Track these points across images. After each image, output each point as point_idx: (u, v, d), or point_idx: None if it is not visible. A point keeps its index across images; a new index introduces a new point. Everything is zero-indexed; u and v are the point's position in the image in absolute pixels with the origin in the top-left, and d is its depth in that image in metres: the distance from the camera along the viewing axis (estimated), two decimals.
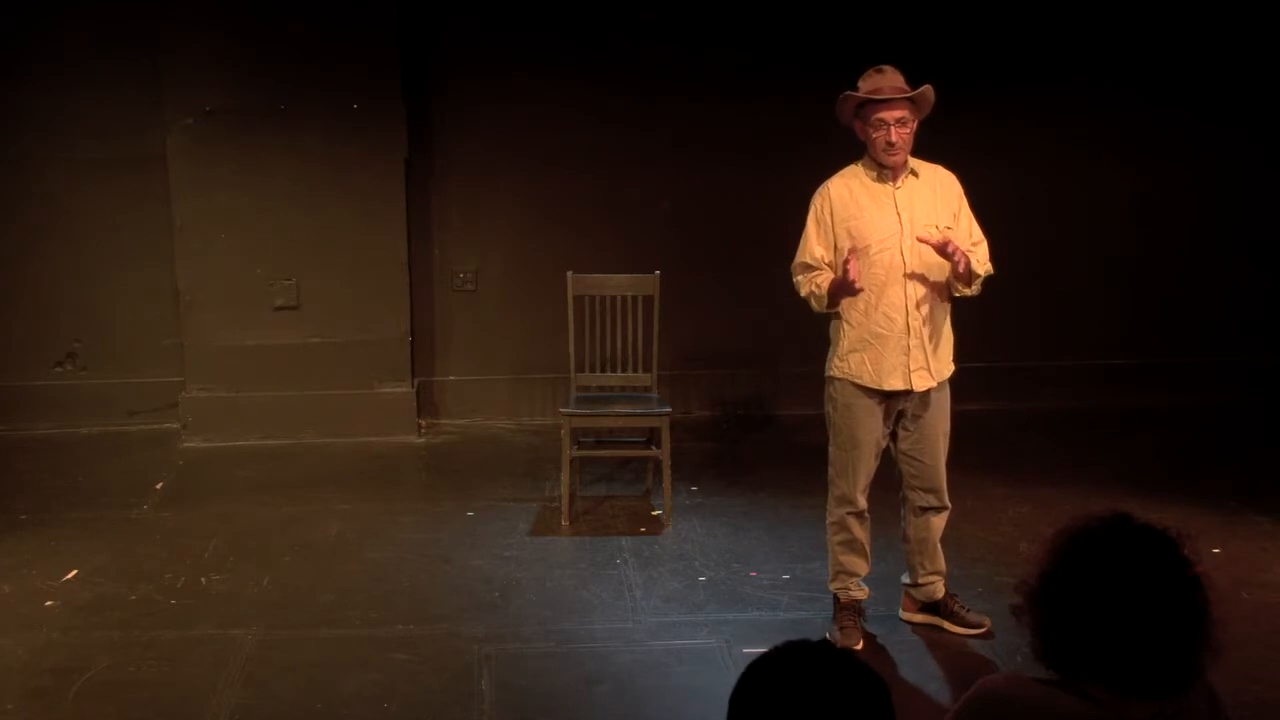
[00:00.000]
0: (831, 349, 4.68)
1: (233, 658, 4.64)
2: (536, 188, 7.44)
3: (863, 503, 4.72)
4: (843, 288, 4.47)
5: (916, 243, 4.49)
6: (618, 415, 6.08)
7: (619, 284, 6.22)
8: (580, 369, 6.25)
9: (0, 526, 5.92)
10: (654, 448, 6.04)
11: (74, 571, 5.42)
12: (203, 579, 5.35)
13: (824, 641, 1.89)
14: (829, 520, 4.80)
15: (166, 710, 4.32)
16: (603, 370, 6.28)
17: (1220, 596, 2.05)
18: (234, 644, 4.74)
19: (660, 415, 5.95)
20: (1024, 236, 6.93)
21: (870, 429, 4.64)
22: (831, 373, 4.67)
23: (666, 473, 5.91)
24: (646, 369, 6.23)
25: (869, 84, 4.52)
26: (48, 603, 5.14)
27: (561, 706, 4.36)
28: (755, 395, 7.70)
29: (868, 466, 4.68)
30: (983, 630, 4.75)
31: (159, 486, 6.52)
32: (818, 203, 4.64)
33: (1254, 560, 5.48)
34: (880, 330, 4.54)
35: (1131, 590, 2.01)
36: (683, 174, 7.49)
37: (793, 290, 4.73)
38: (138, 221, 7.25)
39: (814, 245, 4.62)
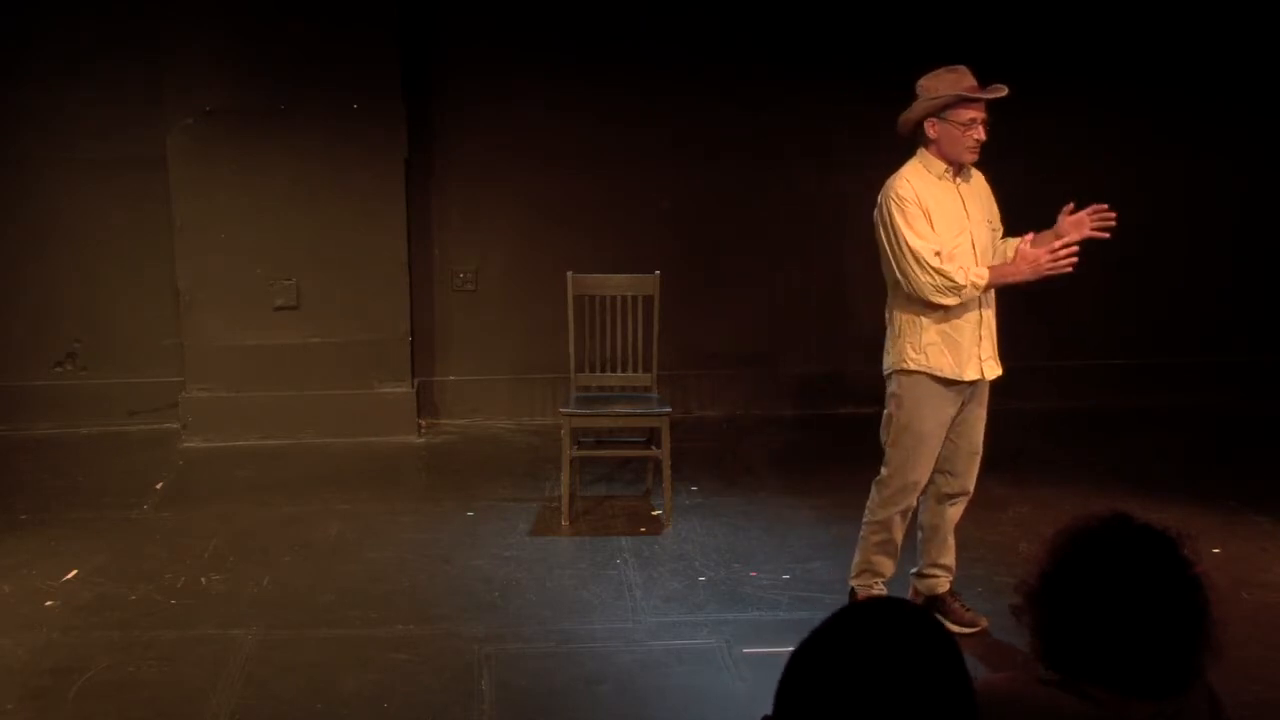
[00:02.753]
0: (900, 342, 4.60)
1: (233, 658, 4.63)
2: (536, 188, 7.44)
3: (916, 500, 4.73)
4: (1037, 265, 4.44)
5: (981, 237, 4.59)
6: (618, 415, 6.08)
7: (619, 284, 6.22)
8: (580, 369, 6.25)
9: (0, 526, 5.92)
10: (654, 448, 6.04)
11: (74, 571, 5.42)
12: (203, 579, 5.35)
13: (889, 599, 1.75)
14: (872, 519, 4.76)
15: (166, 710, 4.32)
16: (603, 370, 6.28)
17: (1220, 596, 2.05)
18: (234, 644, 4.74)
19: (660, 415, 5.95)
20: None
21: (940, 421, 4.63)
22: (905, 365, 4.59)
23: (666, 473, 5.91)
24: (646, 369, 6.22)
25: (949, 83, 4.46)
26: (48, 603, 5.14)
27: (561, 706, 4.36)
28: (755, 395, 7.69)
29: (930, 459, 4.67)
30: (977, 629, 4.75)
31: (159, 486, 6.52)
32: (908, 194, 4.50)
33: (1254, 560, 5.48)
34: (959, 322, 4.56)
35: (1131, 590, 2.01)
36: (683, 174, 7.49)
37: (904, 288, 4.52)
38: (138, 221, 7.25)
39: (930, 233, 4.51)
